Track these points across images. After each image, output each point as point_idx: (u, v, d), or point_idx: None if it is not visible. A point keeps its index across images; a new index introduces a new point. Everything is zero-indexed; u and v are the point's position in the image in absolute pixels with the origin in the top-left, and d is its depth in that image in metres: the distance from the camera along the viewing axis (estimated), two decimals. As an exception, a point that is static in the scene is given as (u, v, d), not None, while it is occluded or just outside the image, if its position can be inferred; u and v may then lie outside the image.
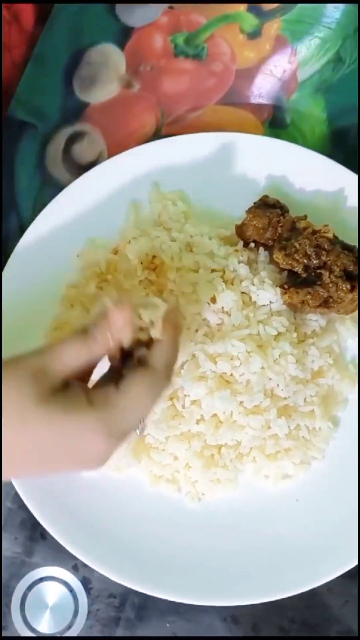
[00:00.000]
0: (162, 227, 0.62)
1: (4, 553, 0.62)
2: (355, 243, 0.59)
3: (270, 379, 0.57)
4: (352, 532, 0.58)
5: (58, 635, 0.61)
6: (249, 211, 0.60)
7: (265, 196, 0.61)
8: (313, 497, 0.59)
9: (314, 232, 0.58)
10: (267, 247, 0.61)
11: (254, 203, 0.61)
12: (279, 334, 0.59)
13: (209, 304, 0.59)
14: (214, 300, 0.59)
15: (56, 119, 0.68)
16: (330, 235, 0.58)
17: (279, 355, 0.58)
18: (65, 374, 0.44)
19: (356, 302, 0.59)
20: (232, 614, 0.61)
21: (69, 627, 0.61)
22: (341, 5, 0.67)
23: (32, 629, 0.61)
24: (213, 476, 0.58)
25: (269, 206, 0.60)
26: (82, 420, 0.43)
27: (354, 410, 0.60)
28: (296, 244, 0.57)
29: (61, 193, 0.63)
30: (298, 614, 0.61)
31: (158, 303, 0.49)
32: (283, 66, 0.68)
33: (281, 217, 0.60)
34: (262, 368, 0.57)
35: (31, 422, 0.42)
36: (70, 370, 0.45)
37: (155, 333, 0.47)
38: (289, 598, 0.56)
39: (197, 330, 0.59)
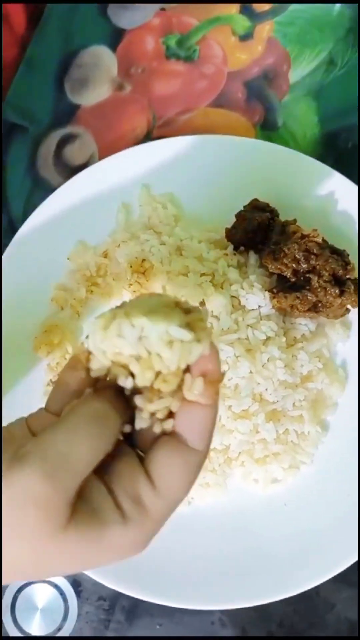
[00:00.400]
0: (152, 230, 0.62)
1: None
2: (344, 247, 0.59)
3: (259, 383, 0.57)
4: (340, 536, 0.58)
5: (51, 636, 0.61)
6: (238, 215, 0.60)
7: (255, 200, 0.61)
8: (302, 501, 0.59)
9: (303, 237, 0.58)
10: (257, 251, 0.61)
11: (244, 207, 0.60)
12: (268, 338, 0.59)
13: None
14: (203, 304, 0.59)
15: (47, 121, 0.68)
16: (319, 239, 0.57)
17: (268, 360, 0.58)
18: (82, 478, 0.33)
19: (345, 307, 0.59)
20: (220, 617, 0.61)
21: (59, 629, 0.62)
22: (334, 8, 0.67)
23: (23, 631, 0.61)
24: (202, 480, 0.58)
25: (258, 210, 0.60)
26: (117, 539, 0.33)
27: (343, 414, 0.60)
28: (285, 249, 0.57)
29: (51, 195, 0.63)
30: (286, 618, 0.61)
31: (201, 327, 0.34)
32: (275, 68, 0.68)
33: (271, 221, 0.59)
34: (251, 372, 0.57)
35: (54, 555, 0.32)
36: (87, 473, 0.33)
37: (191, 394, 0.34)
38: (277, 602, 0.57)
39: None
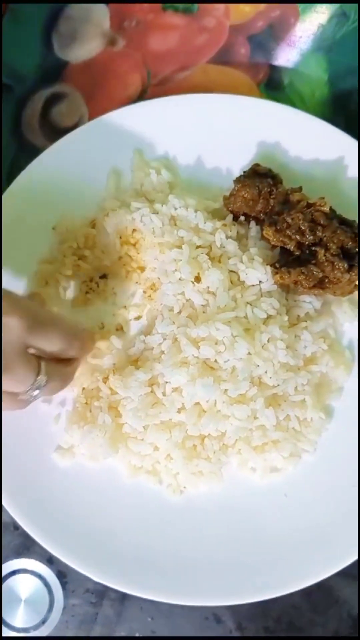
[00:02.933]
0: (143, 197, 0.57)
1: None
2: (354, 217, 0.54)
3: (258, 365, 0.53)
4: (344, 530, 0.54)
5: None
6: (237, 181, 0.55)
7: (257, 164, 0.56)
8: (303, 492, 0.55)
9: (309, 206, 0.53)
10: (259, 222, 0.56)
11: (243, 172, 0.55)
12: (269, 317, 0.54)
13: (193, 283, 0.54)
14: (198, 279, 0.54)
15: (33, 79, 0.63)
16: (326, 209, 0.53)
17: (268, 340, 0.53)
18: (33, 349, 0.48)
19: (355, 283, 0.54)
20: (214, 612, 0.58)
21: (44, 621, 0.58)
22: None
23: (7, 624, 0.58)
24: (195, 468, 0.54)
25: (259, 176, 0.55)
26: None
27: (349, 399, 0.56)
28: (288, 219, 0.52)
29: (36, 159, 0.58)
30: (285, 614, 0.58)
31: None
32: (281, 22, 0.62)
33: (273, 188, 0.54)
34: (249, 354, 0.53)
35: None
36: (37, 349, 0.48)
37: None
38: (275, 597, 0.53)
39: (180, 312, 0.54)
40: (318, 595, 0.58)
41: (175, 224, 0.56)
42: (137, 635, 0.58)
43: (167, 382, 0.54)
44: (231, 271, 0.55)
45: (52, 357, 0.50)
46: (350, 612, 0.58)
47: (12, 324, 0.46)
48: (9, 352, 0.46)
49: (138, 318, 0.57)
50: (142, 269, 0.56)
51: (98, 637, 0.58)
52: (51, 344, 0.49)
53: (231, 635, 0.57)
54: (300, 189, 0.55)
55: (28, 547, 0.58)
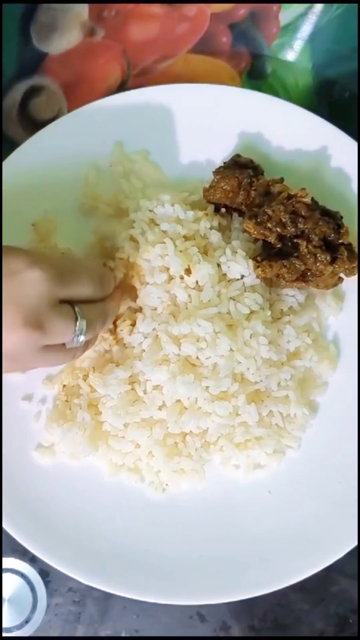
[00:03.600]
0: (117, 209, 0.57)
1: None
2: (337, 209, 0.53)
3: (240, 362, 0.52)
4: (329, 526, 0.53)
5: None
6: (216, 172, 0.54)
7: (237, 155, 0.54)
8: (287, 489, 0.54)
9: (290, 197, 0.51)
10: (241, 214, 0.55)
11: (224, 163, 0.54)
12: (252, 312, 0.53)
13: (181, 277, 0.53)
14: (188, 272, 0.53)
15: (11, 71, 0.61)
16: (307, 200, 0.51)
17: (250, 336, 0.52)
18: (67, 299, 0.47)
19: (338, 276, 0.53)
20: (199, 611, 0.57)
21: (27, 621, 0.58)
22: None
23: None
24: (176, 466, 0.53)
25: (240, 166, 0.54)
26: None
27: (333, 395, 0.55)
28: (269, 211, 0.51)
29: (13, 153, 0.57)
30: (270, 612, 0.57)
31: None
32: (263, 9, 0.61)
33: (254, 180, 0.53)
34: (231, 350, 0.52)
35: None
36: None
37: None
38: (260, 595, 0.52)
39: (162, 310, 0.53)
40: (304, 592, 0.57)
41: (156, 223, 0.55)
42: (123, 634, 0.57)
43: (147, 380, 0.53)
44: (217, 264, 0.54)
45: (84, 301, 0.49)
46: (337, 609, 0.57)
47: (39, 277, 0.45)
48: (42, 307, 0.45)
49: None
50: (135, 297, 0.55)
51: (83, 637, 0.57)
52: (81, 290, 0.48)
53: (215, 635, 0.57)
54: (282, 180, 0.54)
55: (10, 546, 0.58)
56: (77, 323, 0.47)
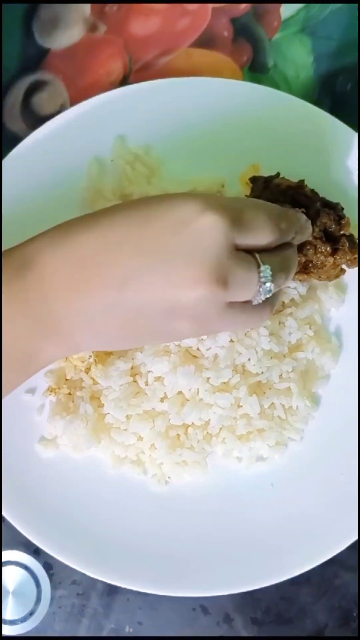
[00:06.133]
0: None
1: None
2: (338, 200, 0.53)
3: (240, 353, 0.52)
4: (332, 518, 0.53)
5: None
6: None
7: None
8: (290, 481, 0.54)
9: (289, 189, 0.51)
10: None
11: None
12: (252, 303, 0.53)
13: None
14: None
15: (13, 67, 0.62)
16: (307, 191, 0.51)
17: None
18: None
19: (340, 267, 0.53)
20: (201, 603, 0.57)
21: (31, 613, 0.58)
22: None
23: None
24: (179, 458, 0.53)
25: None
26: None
27: (335, 387, 0.55)
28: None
29: (15, 149, 0.57)
30: (273, 605, 0.57)
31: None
32: (265, 3, 0.61)
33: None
34: (231, 341, 0.52)
35: None
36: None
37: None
38: (263, 588, 0.52)
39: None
40: (307, 586, 0.57)
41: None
42: (126, 627, 0.58)
43: (149, 372, 0.53)
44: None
45: (262, 249, 0.42)
46: (340, 602, 0.57)
47: (214, 224, 0.39)
48: (222, 257, 0.39)
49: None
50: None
51: (83, 637, 0.57)
52: (261, 234, 0.42)
53: (218, 634, 0.57)
54: (278, 175, 0.54)
55: (14, 539, 0.58)
56: (260, 269, 0.41)
